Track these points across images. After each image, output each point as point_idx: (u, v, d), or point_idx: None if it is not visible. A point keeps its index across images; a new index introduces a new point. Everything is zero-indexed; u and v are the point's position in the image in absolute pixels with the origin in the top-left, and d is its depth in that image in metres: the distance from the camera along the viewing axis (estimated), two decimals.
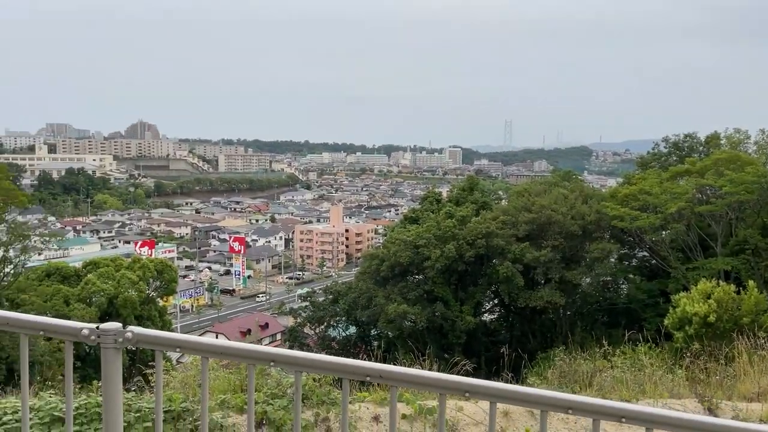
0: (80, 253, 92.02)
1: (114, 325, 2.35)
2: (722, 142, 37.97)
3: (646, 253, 36.02)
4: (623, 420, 2.14)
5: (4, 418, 6.47)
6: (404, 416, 8.29)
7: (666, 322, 21.14)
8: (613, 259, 35.15)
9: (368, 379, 2.37)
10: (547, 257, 30.66)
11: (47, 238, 34.00)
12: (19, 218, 31.22)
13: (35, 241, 31.39)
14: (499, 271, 31.00)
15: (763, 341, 11.01)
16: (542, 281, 33.58)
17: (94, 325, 2.33)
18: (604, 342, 14.09)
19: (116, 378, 2.37)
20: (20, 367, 2.40)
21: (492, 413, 2.30)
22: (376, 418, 8.44)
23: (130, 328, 2.34)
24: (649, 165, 39.41)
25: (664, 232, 31.53)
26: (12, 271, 29.64)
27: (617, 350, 13.49)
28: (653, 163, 39.53)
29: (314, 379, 8.51)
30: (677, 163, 37.60)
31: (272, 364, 2.38)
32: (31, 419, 6.53)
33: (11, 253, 28.66)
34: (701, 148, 38.90)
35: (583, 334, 32.47)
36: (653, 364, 11.75)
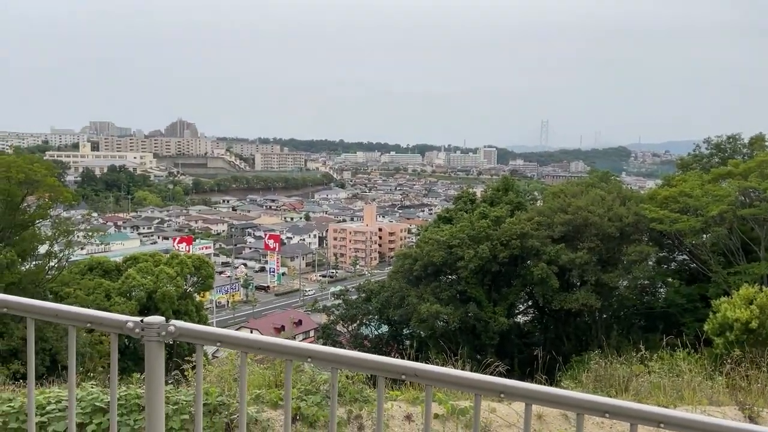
0: (121, 248, 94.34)
1: (157, 318, 2.44)
2: (767, 143, 36.85)
3: (685, 257, 35.19)
4: (661, 425, 2.09)
5: (48, 407, 6.72)
6: (437, 416, 8.32)
7: (706, 327, 20.62)
8: (651, 263, 34.42)
9: (403, 377, 2.39)
10: (583, 259, 30.20)
11: (90, 233, 35.01)
12: (64, 214, 32.22)
13: (79, 236, 32.36)
14: (534, 273, 30.68)
15: None
16: (578, 283, 33.10)
17: (138, 319, 2.43)
18: (641, 346, 13.85)
19: (159, 370, 2.47)
20: (68, 358, 2.51)
21: (527, 415, 2.30)
22: (408, 417, 8.48)
23: (173, 322, 2.43)
24: (689, 167, 38.46)
25: (704, 236, 30.75)
26: (56, 265, 30.61)
27: (654, 355, 13.24)
28: (694, 165, 38.58)
29: (347, 377, 8.60)
30: (719, 165, 36.61)
31: (309, 360, 2.45)
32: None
33: (56, 247, 29.59)
34: (745, 150, 37.81)
35: (619, 338, 31.89)
36: (692, 370, 11.50)
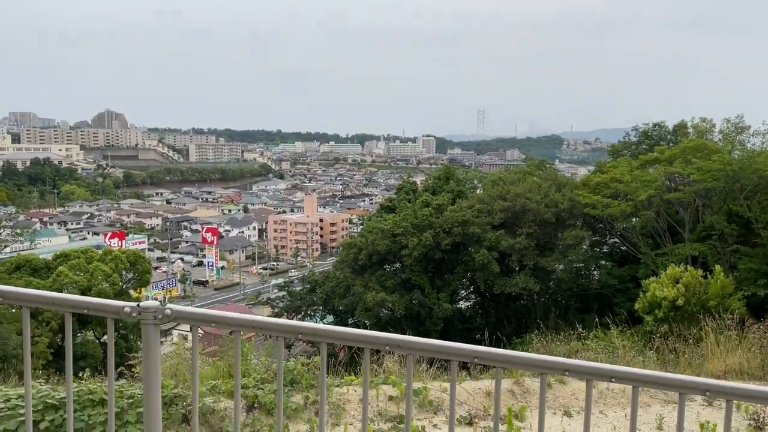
0: (48, 245, 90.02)
1: (153, 303, 2.50)
2: (689, 131, 38.88)
3: (616, 240, 36.82)
4: (612, 380, 2.44)
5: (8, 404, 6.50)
6: (391, 398, 8.55)
7: (636, 306, 21.79)
8: (585, 246, 35.87)
9: (387, 348, 2.54)
10: (521, 244, 31.18)
11: (19, 231, 33.42)
12: None
13: (6, 235, 30.84)
14: (476, 259, 31.44)
15: (728, 323, 11.53)
16: (517, 268, 34.13)
17: (134, 303, 2.48)
18: (577, 326, 14.55)
19: (155, 351, 2.53)
20: (65, 346, 2.54)
21: (498, 379, 2.51)
22: (362, 401, 8.65)
23: (169, 305, 2.49)
24: (620, 153, 40.22)
25: (634, 219, 32.27)
26: None
27: (590, 334, 13.97)
28: (624, 152, 40.36)
29: (303, 364, 8.71)
30: (647, 151, 38.43)
31: (300, 336, 2.56)
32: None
33: None
34: (669, 136, 39.82)
35: (556, 320, 33.15)
36: (625, 346, 12.22)
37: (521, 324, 35.29)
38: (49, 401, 6.73)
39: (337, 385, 8.68)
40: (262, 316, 2.66)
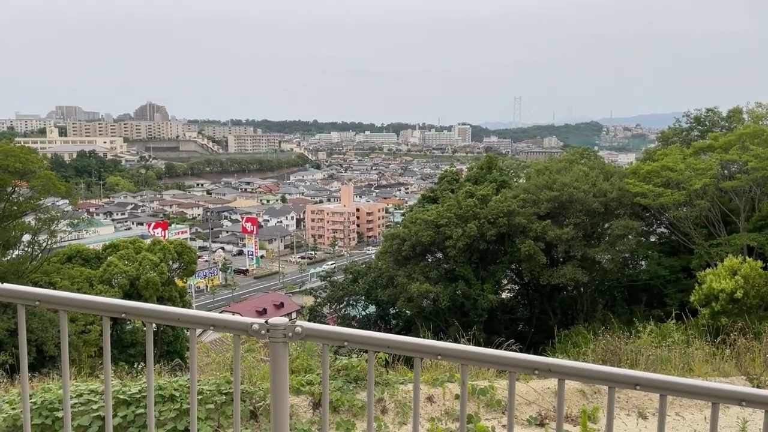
0: (94, 235, 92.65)
1: (282, 319, 2.36)
2: (744, 116, 37.50)
3: (664, 230, 35.83)
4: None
5: (70, 401, 6.56)
6: (456, 396, 8.37)
7: (692, 298, 21.07)
8: (630, 236, 35.02)
9: (439, 357, 2.43)
10: (569, 235, 30.56)
11: (75, 223, 34.45)
12: (47, 203, 31.68)
13: (62, 226, 31.84)
14: (521, 250, 30.98)
15: None
16: (562, 259, 33.54)
17: (263, 320, 2.35)
18: (634, 320, 14.07)
19: (284, 371, 2.39)
20: (190, 357, 2.44)
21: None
22: (429, 399, 8.52)
23: (299, 323, 2.35)
24: (670, 140, 39.02)
25: (685, 208, 31.32)
26: (39, 255, 30.03)
27: (646, 327, 13.47)
28: (674, 138, 39.13)
29: (366, 361, 8.59)
30: (699, 138, 37.18)
31: (439, 357, 2.39)
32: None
33: (40, 237, 29.09)
34: (723, 122, 38.44)
35: (604, 311, 32.50)
36: (692, 342, 11.74)
37: (567, 315, 34.70)
38: (121, 397, 6.78)
39: (402, 383, 8.54)
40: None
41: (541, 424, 8.02)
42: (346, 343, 2.36)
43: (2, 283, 2.45)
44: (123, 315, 2.37)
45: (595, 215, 32.25)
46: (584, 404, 8.42)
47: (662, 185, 30.55)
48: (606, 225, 34.09)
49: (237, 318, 2.37)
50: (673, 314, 17.25)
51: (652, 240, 37.13)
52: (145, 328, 2.60)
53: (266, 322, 2.35)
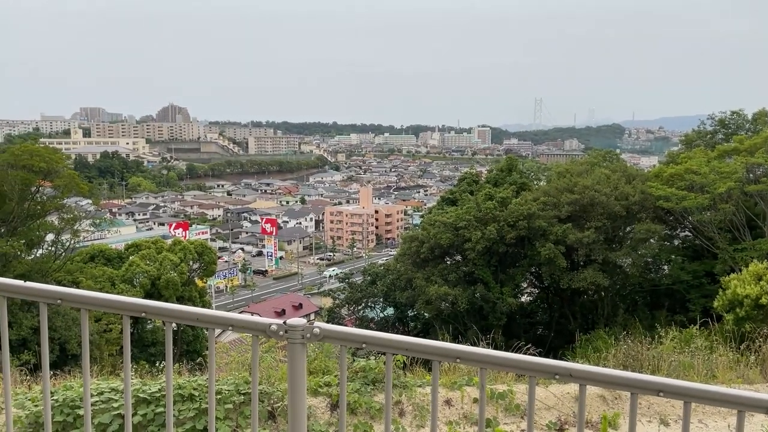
0: (117, 235, 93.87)
1: (300, 321, 2.36)
2: None
3: (688, 234, 35.30)
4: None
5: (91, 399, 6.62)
6: (475, 400, 8.31)
7: (716, 304, 20.69)
8: (653, 240, 34.56)
9: (458, 361, 2.40)
10: (590, 238, 30.24)
11: (98, 222, 34.95)
12: (70, 203, 32.18)
13: (85, 226, 32.33)
14: (542, 253, 30.72)
15: None
16: (582, 263, 33.21)
17: (281, 321, 2.34)
18: (656, 325, 13.83)
19: (302, 372, 2.39)
20: (209, 357, 2.46)
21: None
22: (447, 402, 8.47)
23: (317, 324, 2.35)
24: (693, 143, 38.44)
25: (709, 212, 30.82)
26: (62, 254, 30.51)
27: (668, 332, 13.24)
28: (698, 141, 38.53)
29: (383, 363, 8.57)
30: (723, 141, 36.56)
31: (458, 360, 2.37)
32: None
33: (63, 236, 29.54)
34: (748, 125, 37.75)
35: (625, 316, 32.08)
36: (715, 348, 11.52)
37: (587, 320, 34.33)
38: (141, 395, 6.83)
39: (419, 386, 8.50)
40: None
41: (561, 430, 7.93)
42: (364, 345, 2.35)
43: (26, 282, 2.49)
44: (143, 314, 2.39)
45: (617, 219, 31.88)
46: (604, 410, 8.32)
47: (686, 189, 30.09)
48: (628, 229, 33.66)
49: (256, 319, 2.37)
50: (698, 319, 16.96)
51: (675, 244, 36.59)
52: (164, 328, 2.62)
53: (284, 323, 2.35)
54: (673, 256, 35.21)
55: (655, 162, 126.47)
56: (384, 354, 2.48)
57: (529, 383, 2.37)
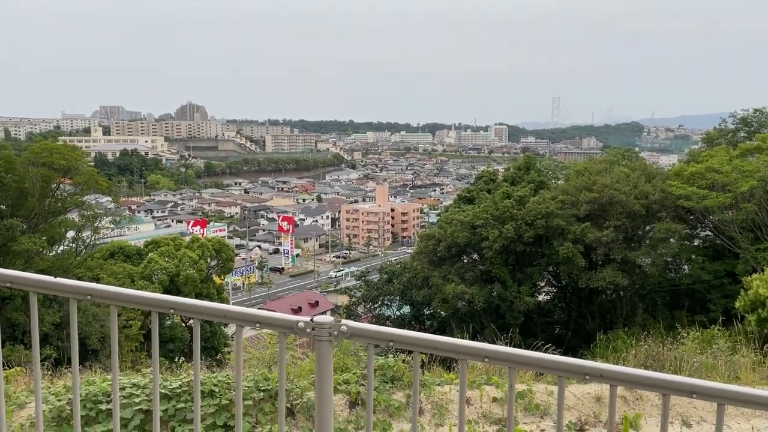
0: (135, 232, 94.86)
1: (327, 318, 2.35)
2: None
3: (708, 233, 34.83)
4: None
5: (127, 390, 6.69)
6: (495, 399, 8.27)
7: (737, 304, 20.39)
8: (673, 239, 34.15)
9: (486, 360, 2.39)
10: (609, 237, 29.94)
11: (118, 219, 35.38)
12: (90, 200, 32.60)
13: (105, 223, 32.74)
14: (560, 252, 30.48)
15: None
16: (601, 262, 32.92)
17: (308, 318, 2.34)
18: (676, 325, 13.65)
19: (329, 368, 2.38)
20: (236, 354, 2.47)
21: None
22: (466, 401, 8.43)
23: (344, 321, 2.34)
24: (715, 141, 37.90)
25: (731, 212, 30.36)
26: (83, 251, 30.91)
27: (689, 333, 13.08)
28: (719, 140, 37.99)
29: (403, 361, 8.55)
30: (746, 139, 36.00)
31: (486, 360, 2.35)
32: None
33: (84, 233, 29.93)
34: None
35: (644, 316, 31.75)
36: (737, 349, 11.36)
37: (605, 319, 34.01)
38: (162, 391, 6.89)
39: (438, 384, 8.47)
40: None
41: (581, 430, 7.86)
42: (391, 343, 2.34)
43: (56, 278, 2.51)
44: (171, 311, 2.40)
45: (636, 218, 31.52)
46: (625, 411, 8.23)
47: (707, 187, 29.67)
48: (647, 228, 33.27)
49: (282, 315, 2.36)
50: (720, 320, 16.72)
51: (696, 244, 36.10)
52: (183, 324, 2.63)
53: (311, 320, 2.34)
54: (693, 256, 34.76)
55: (674, 161, 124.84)
56: (404, 352, 2.47)
57: (559, 384, 2.34)
